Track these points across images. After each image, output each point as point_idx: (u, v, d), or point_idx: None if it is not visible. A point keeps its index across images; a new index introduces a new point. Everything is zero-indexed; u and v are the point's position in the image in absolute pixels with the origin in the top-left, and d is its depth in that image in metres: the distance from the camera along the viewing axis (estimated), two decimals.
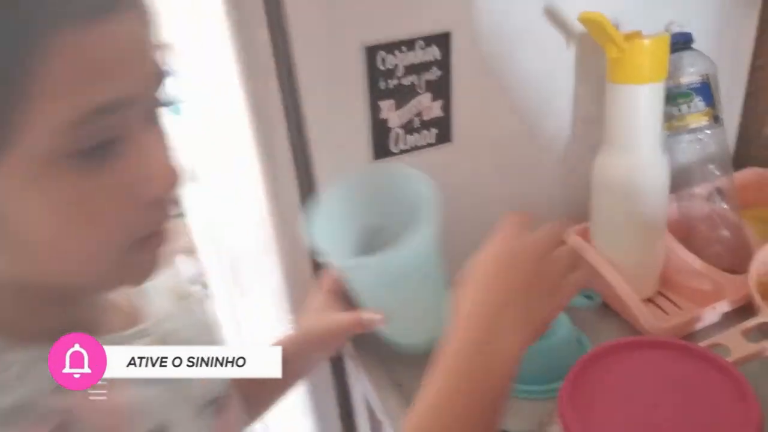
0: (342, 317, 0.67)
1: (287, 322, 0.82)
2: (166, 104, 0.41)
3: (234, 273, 1.20)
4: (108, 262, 0.38)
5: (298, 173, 0.73)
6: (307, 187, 0.74)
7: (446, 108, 0.76)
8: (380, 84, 0.71)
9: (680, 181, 0.84)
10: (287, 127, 0.70)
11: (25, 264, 0.38)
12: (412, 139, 0.76)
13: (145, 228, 0.39)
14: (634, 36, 0.72)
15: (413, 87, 0.73)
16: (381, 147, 0.75)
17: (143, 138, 0.37)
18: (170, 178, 0.38)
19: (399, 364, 0.77)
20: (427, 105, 0.75)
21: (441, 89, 0.75)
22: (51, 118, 0.32)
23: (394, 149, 0.75)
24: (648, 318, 0.74)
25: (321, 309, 0.69)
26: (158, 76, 0.37)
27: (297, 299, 0.79)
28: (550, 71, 0.81)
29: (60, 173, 0.34)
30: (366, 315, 0.66)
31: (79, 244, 0.37)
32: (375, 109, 0.73)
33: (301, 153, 0.72)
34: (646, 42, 0.70)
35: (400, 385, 0.73)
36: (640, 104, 0.72)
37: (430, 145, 0.77)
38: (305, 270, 0.77)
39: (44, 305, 0.41)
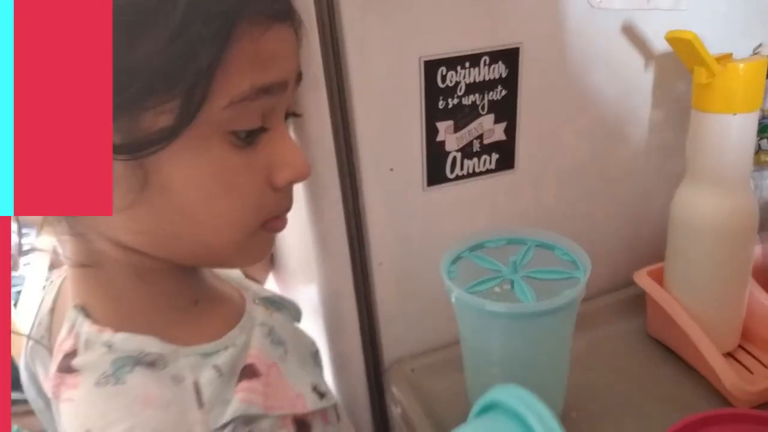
0: None
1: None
2: (295, 114, 0.49)
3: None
4: (239, 234, 0.44)
5: (344, 196, 0.66)
6: (353, 212, 0.68)
7: (510, 131, 0.69)
8: (439, 103, 0.65)
9: (764, 220, 0.76)
10: (335, 146, 0.64)
11: (178, 230, 0.42)
12: (471, 164, 0.69)
13: (273, 210, 0.45)
14: (725, 59, 0.64)
15: (475, 107, 0.66)
16: (436, 172, 0.68)
17: (282, 131, 0.44)
18: (302, 167, 0.45)
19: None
20: (489, 127, 0.68)
21: (505, 110, 0.68)
22: (225, 95, 0.38)
23: (450, 175, 0.69)
24: (732, 378, 0.65)
25: None
26: (299, 75, 0.45)
27: (334, 324, 0.72)
28: (625, 94, 0.74)
29: (219, 146, 0.40)
30: None
31: (222, 212, 0.42)
32: (431, 131, 0.66)
33: (349, 175, 0.66)
34: (741, 66, 0.62)
35: None
36: (731, 136, 0.64)
37: (489, 171, 0.70)
38: (345, 294, 0.71)
39: (173, 281, 0.46)
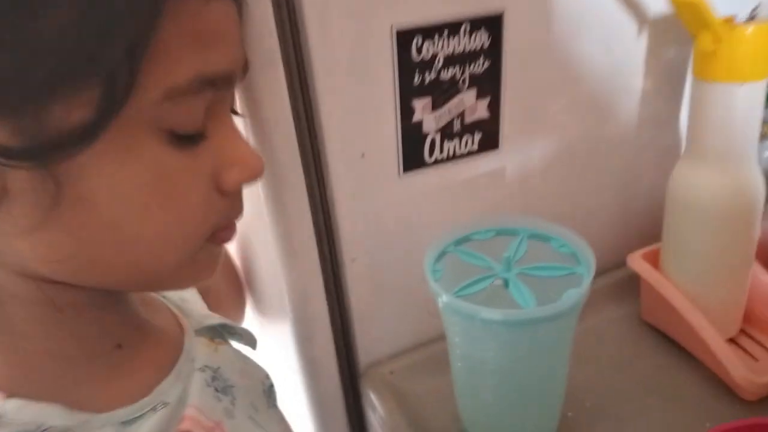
0: None
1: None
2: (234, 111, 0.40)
3: None
4: (183, 251, 0.36)
5: (309, 188, 0.58)
6: (320, 205, 0.60)
7: (494, 107, 0.61)
8: (414, 78, 0.57)
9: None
10: (297, 131, 0.56)
11: (105, 254, 0.34)
12: (451, 146, 0.61)
13: (222, 217, 0.38)
14: (729, 23, 0.58)
15: (455, 82, 0.58)
16: (413, 157, 0.60)
17: (229, 125, 0.37)
18: (255, 164, 0.38)
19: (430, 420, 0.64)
20: (470, 104, 0.60)
21: (488, 84, 0.60)
22: (159, 83, 0.31)
23: (428, 159, 0.61)
24: (740, 369, 0.60)
25: None
26: (246, 64, 0.38)
27: (304, 329, 0.64)
28: (616, 64, 0.67)
29: (153, 147, 0.32)
30: None
31: (161, 227, 0.34)
32: (407, 110, 0.58)
33: (314, 164, 0.58)
34: (749, 31, 0.56)
35: None
36: (737, 107, 0.58)
37: (471, 153, 0.63)
38: (315, 295, 0.63)
39: (92, 319, 0.38)
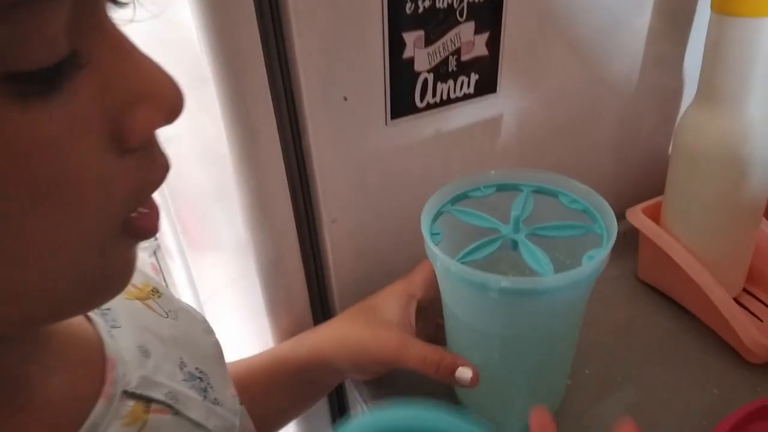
0: (416, 352, 0.48)
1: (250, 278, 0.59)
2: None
3: (182, 221, 0.95)
4: (85, 259, 0.23)
5: (282, 137, 0.50)
6: (295, 157, 0.52)
7: (493, 44, 0.54)
8: (406, 5, 0.48)
9: None
10: (266, 70, 0.47)
11: None
12: (444, 88, 0.53)
13: (133, 193, 0.24)
14: None
15: (451, 11, 0.50)
16: (402, 100, 0.52)
17: (116, 39, 0.23)
18: (169, 94, 0.24)
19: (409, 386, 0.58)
20: (467, 39, 0.52)
21: (488, 16, 0.52)
22: None
23: (419, 104, 0.53)
24: (747, 330, 0.56)
25: (380, 322, 0.51)
26: None
27: (277, 299, 0.57)
28: None
29: None
30: (459, 363, 0.48)
31: (43, 235, 0.21)
32: (396, 44, 0.50)
33: (288, 108, 0.49)
34: None
35: None
36: (762, 44, 0.52)
37: (467, 96, 0.55)
38: (290, 262, 0.55)
39: None
